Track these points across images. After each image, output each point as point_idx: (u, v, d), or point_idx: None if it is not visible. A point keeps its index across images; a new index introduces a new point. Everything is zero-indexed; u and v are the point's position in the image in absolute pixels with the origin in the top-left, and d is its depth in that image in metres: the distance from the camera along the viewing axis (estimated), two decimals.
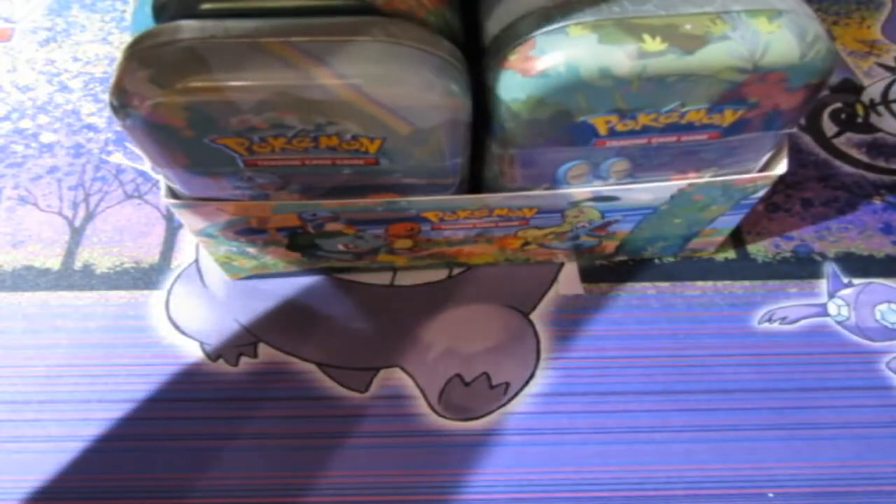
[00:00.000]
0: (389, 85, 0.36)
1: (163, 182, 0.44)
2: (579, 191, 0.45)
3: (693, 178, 0.46)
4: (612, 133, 0.40)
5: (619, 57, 0.36)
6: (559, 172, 0.44)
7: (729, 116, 0.40)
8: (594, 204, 0.47)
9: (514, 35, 0.38)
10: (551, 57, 0.37)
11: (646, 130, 0.40)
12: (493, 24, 0.40)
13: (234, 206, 0.45)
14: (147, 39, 0.36)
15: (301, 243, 0.50)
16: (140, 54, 0.36)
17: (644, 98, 0.38)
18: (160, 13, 0.38)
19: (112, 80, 0.36)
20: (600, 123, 0.39)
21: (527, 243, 0.53)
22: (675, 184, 0.46)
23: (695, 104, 0.39)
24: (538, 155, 0.42)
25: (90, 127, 0.65)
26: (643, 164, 0.44)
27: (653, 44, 0.36)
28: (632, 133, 0.40)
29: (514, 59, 0.38)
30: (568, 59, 0.36)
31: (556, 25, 0.37)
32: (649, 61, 0.36)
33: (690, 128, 0.40)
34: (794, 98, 0.40)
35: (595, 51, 0.36)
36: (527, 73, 0.37)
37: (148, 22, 0.38)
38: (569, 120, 0.39)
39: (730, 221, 0.52)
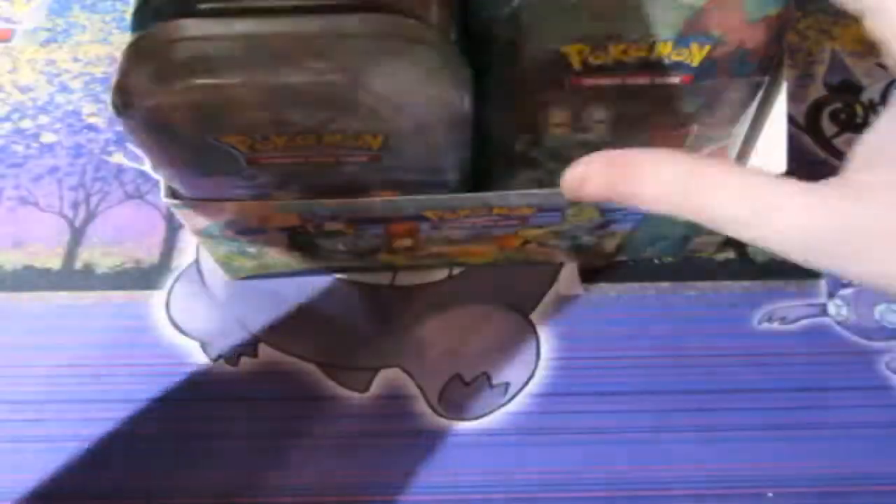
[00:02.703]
0: (392, 80, 0.36)
1: (163, 182, 0.44)
2: None
3: (674, 140, 0.46)
4: (587, 67, 0.41)
5: None
6: (540, 121, 0.44)
7: (696, 53, 0.41)
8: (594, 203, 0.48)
9: None
10: None
11: (619, 66, 0.41)
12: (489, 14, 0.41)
13: (234, 205, 0.45)
14: (148, 38, 0.36)
15: (301, 243, 0.50)
16: (141, 53, 0.36)
17: (609, 21, 0.39)
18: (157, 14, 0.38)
19: (113, 80, 0.36)
20: (573, 54, 0.40)
21: (526, 242, 0.53)
22: None
23: (661, 33, 0.39)
24: (523, 101, 0.43)
25: (91, 127, 0.65)
26: (623, 114, 0.44)
27: None
28: (604, 69, 0.41)
29: None
30: None
31: None
32: None
33: (661, 66, 0.41)
34: (756, 32, 0.40)
35: None
36: None
37: (148, 22, 0.38)
38: (545, 49, 0.40)
39: None
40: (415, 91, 0.37)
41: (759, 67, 0.43)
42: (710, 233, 0.54)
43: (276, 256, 0.52)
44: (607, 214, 0.49)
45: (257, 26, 0.36)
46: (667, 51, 0.40)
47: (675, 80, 0.42)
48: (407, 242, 0.51)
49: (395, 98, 0.37)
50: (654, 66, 0.41)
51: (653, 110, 0.44)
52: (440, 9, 0.40)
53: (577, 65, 0.41)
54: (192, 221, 0.47)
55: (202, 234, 0.49)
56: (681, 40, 0.40)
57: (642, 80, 0.42)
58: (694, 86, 0.42)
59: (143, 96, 0.35)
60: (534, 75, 0.42)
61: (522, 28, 0.39)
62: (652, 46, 0.40)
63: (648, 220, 0.51)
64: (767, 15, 0.39)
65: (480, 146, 0.44)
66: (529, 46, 0.40)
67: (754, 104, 0.46)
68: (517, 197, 0.46)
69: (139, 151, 0.39)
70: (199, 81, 0.35)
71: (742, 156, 0.51)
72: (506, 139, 0.46)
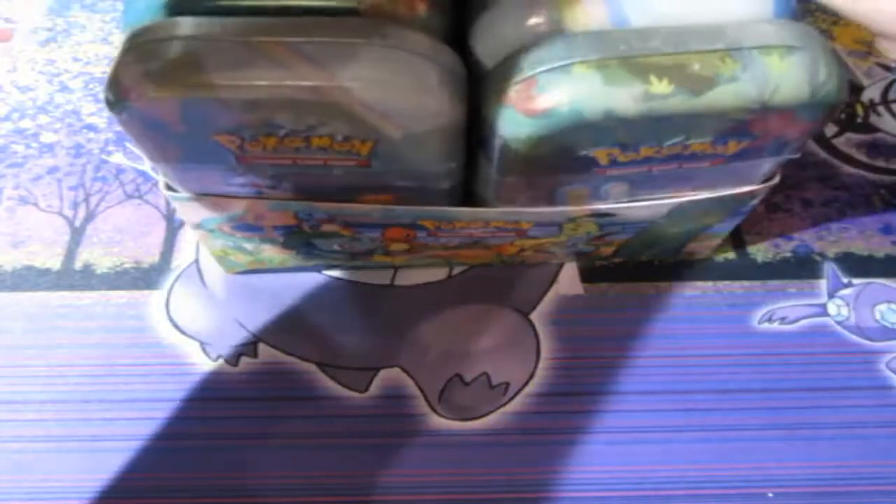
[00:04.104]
0: (382, 88, 0.36)
1: (161, 177, 0.44)
2: (577, 208, 0.45)
3: (691, 196, 0.46)
4: (614, 163, 0.40)
5: (625, 99, 0.35)
6: (557, 195, 0.43)
7: (733, 147, 0.39)
8: (592, 219, 0.47)
9: (515, 69, 0.37)
10: (554, 97, 0.36)
11: (648, 160, 0.40)
12: (488, 48, 0.40)
13: (231, 201, 0.45)
14: (143, 35, 0.36)
15: (296, 242, 0.50)
16: (136, 50, 0.36)
17: (648, 134, 0.37)
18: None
19: (108, 75, 0.36)
20: (602, 155, 0.39)
21: (523, 250, 0.53)
22: (674, 200, 0.46)
23: (699, 138, 0.38)
24: (536, 183, 0.42)
25: (90, 127, 0.65)
26: (643, 187, 0.44)
27: (660, 86, 0.35)
28: (633, 163, 0.40)
29: (514, 96, 0.37)
30: (572, 100, 0.35)
31: (559, 63, 0.36)
32: (655, 104, 0.35)
33: (693, 157, 0.40)
34: (800, 129, 0.39)
35: (600, 92, 0.35)
36: (528, 112, 0.36)
37: (139, 18, 0.38)
38: (570, 154, 0.39)
39: (726, 227, 0.52)
40: (405, 99, 0.36)
41: (793, 149, 0.42)
42: (703, 239, 0.54)
43: (272, 253, 0.52)
44: (605, 228, 0.49)
45: (251, 27, 0.36)
46: (702, 147, 0.39)
47: (704, 164, 0.41)
48: (403, 247, 0.51)
49: (384, 106, 0.36)
50: (686, 158, 0.40)
51: (675, 183, 0.44)
52: (435, 16, 0.39)
53: (604, 162, 0.40)
54: (188, 214, 0.47)
55: (199, 227, 0.49)
56: (720, 139, 0.38)
57: (670, 167, 0.41)
58: (724, 166, 0.42)
59: (135, 92, 0.35)
60: (555, 171, 0.41)
61: (549, 145, 0.38)
62: (687, 146, 0.39)
63: (645, 231, 0.51)
64: (817, 118, 0.38)
65: (473, 156, 0.43)
66: (555, 156, 0.39)
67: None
68: (515, 213, 0.46)
69: (139, 151, 0.39)
70: (191, 80, 0.35)
71: None
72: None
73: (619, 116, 0.36)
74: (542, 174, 0.41)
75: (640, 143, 0.38)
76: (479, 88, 0.39)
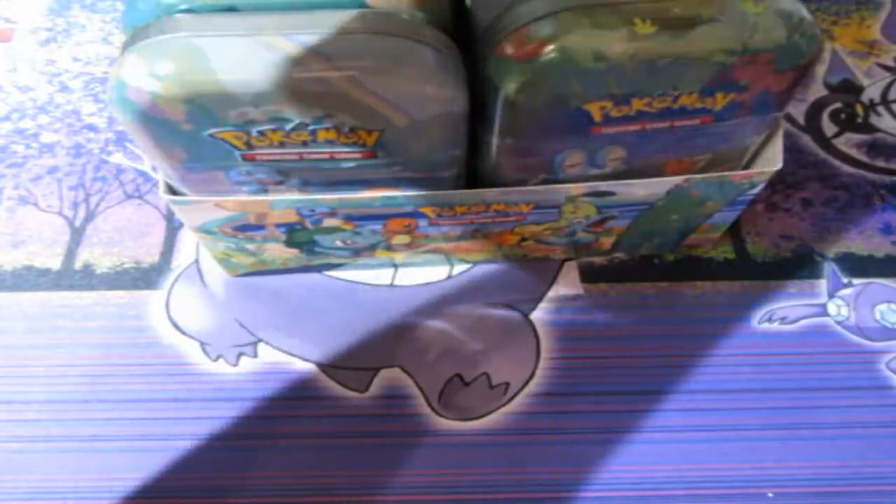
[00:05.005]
0: (386, 76, 0.36)
1: (161, 178, 0.44)
2: (576, 186, 0.46)
3: (687, 165, 0.46)
4: (607, 119, 0.41)
5: (612, 40, 0.37)
6: (556, 163, 0.44)
7: (720, 100, 0.41)
8: (591, 199, 0.48)
9: (508, 23, 0.39)
10: (546, 42, 0.37)
11: (640, 116, 0.41)
12: (486, 14, 0.41)
13: (232, 202, 0.45)
14: (145, 34, 0.36)
15: (299, 240, 0.50)
16: (139, 48, 0.36)
17: (637, 82, 0.39)
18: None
19: (111, 75, 0.36)
20: (595, 110, 0.40)
21: (524, 239, 0.53)
22: (672, 180, 0.46)
23: (687, 88, 0.39)
24: (534, 145, 0.43)
25: (90, 127, 0.65)
26: (638, 151, 0.44)
27: (643, 27, 0.37)
28: (626, 119, 0.41)
29: (508, 45, 0.38)
30: (562, 44, 0.37)
31: (548, 11, 0.38)
32: (641, 44, 0.37)
33: (683, 112, 0.41)
34: (782, 80, 0.40)
35: (589, 35, 0.37)
36: (521, 58, 0.38)
37: (140, 18, 0.38)
38: (564, 106, 0.39)
39: (726, 218, 0.52)
40: (411, 88, 0.37)
41: (779, 105, 0.43)
42: (704, 230, 0.54)
43: (275, 253, 0.53)
44: (603, 211, 0.49)
45: (254, 22, 0.36)
46: (691, 100, 0.40)
47: (694, 122, 0.42)
48: (405, 239, 0.51)
49: (389, 94, 0.37)
50: (676, 114, 0.41)
51: (669, 146, 0.44)
52: (437, 6, 0.40)
53: (598, 118, 0.41)
54: (189, 218, 0.47)
55: (200, 230, 0.49)
56: (706, 90, 0.40)
57: (662, 125, 0.42)
58: (713, 125, 0.43)
59: (139, 90, 0.36)
60: (552, 129, 0.42)
61: (544, 94, 0.39)
62: (676, 98, 0.40)
63: (644, 217, 0.51)
64: (798, 65, 0.40)
65: (476, 143, 0.44)
66: (551, 108, 0.40)
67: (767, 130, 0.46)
68: (514, 193, 0.46)
69: (139, 151, 0.39)
70: (195, 76, 0.35)
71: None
72: (516, 181, 0.46)
73: (607, 58, 0.37)
74: (538, 135, 0.42)
75: (631, 95, 0.39)
76: (477, 60, 0.40)
